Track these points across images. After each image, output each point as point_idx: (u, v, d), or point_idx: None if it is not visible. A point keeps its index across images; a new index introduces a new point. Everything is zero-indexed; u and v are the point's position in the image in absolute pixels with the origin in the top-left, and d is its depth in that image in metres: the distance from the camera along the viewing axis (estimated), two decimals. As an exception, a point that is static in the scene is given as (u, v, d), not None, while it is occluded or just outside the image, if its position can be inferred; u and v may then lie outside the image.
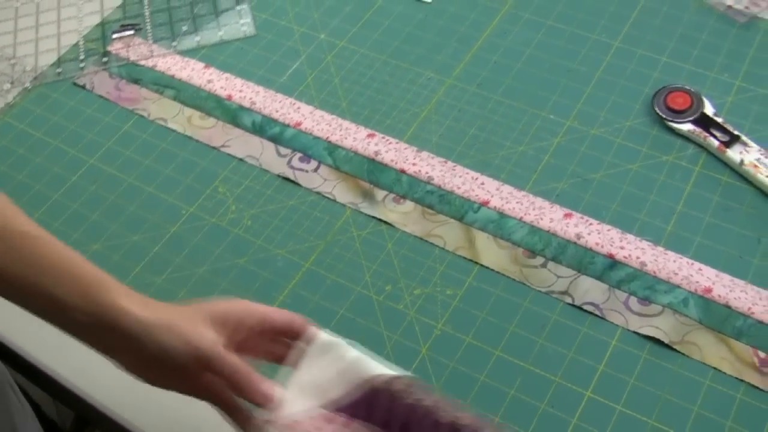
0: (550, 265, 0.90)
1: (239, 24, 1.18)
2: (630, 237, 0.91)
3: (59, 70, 1.15)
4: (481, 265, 0.90)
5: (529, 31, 1.12)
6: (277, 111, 1.07)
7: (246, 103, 1.08)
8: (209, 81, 1.11)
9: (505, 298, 0.88)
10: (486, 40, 1.12)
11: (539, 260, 0.90)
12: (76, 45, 1.18)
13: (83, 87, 1.13)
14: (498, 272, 0.90)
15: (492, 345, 0.85)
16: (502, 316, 0.87)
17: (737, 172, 0.95)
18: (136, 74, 1.13)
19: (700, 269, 0.87)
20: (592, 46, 1.09)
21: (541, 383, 0.82)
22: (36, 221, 0.94)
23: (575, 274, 0.89)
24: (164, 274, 0.93)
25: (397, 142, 1.02)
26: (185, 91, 1.11)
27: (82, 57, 1.16)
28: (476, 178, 0.97)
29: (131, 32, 1.18)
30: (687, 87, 1.01)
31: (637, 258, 0.89)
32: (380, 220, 0.95)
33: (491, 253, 0.91)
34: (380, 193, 0.98)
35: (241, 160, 1.03)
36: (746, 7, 1.10)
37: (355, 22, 1.17)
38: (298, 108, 1.07)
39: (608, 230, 0.91)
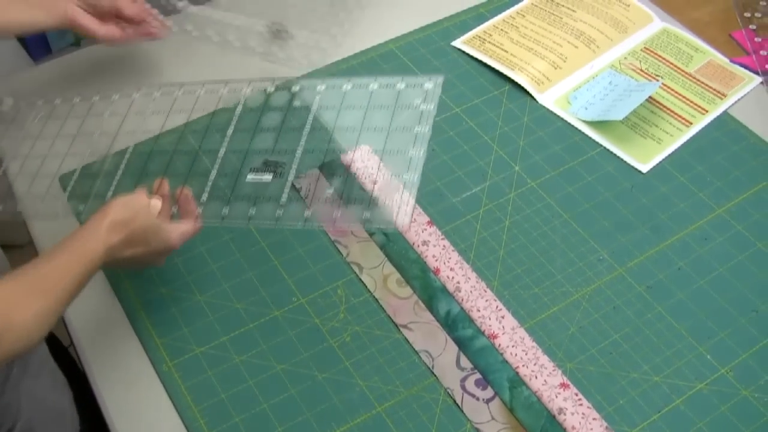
0: None
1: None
2: None
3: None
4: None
5: (733, 246, 0.99)
6: (478, 310, 0.93)
7: (451, 286, 0.95)
8: (425, 242, 0.99)
9: None
10: (680, 239, 1.00)
11: None
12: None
13: (298, 191, 1.02)
14: None
15: None
16: None
17: None
18: None
19: None
20: (794, 292, 0.94)
21: None
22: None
23: None
24: (245, 355, 0.91)
25: (589, 407, 0.85)
26: (396, 243, 0.99)
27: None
28: None
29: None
30: None
31: None
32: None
33: None
34: None
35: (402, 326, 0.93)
36: None
37: (555, 166, 1.08)
38: (502, 317, 0.92)
39: None
